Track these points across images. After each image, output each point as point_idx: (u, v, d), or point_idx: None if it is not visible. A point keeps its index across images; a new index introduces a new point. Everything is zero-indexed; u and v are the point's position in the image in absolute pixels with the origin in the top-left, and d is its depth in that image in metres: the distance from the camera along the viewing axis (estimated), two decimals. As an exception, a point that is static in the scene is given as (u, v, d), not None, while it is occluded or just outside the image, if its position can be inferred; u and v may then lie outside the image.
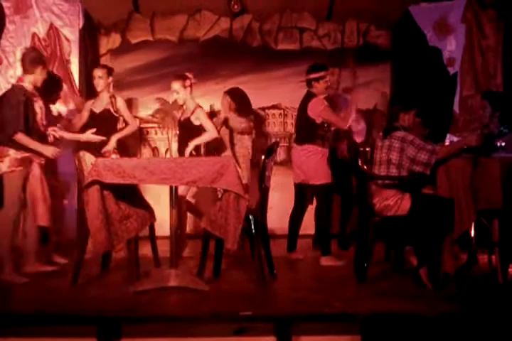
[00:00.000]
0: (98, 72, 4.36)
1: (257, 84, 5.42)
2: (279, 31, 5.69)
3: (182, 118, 4.34)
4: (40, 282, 3.36)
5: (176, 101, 4.37)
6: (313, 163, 3.98)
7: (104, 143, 4.27)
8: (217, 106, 5.27)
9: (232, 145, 4.70)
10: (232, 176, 2.90)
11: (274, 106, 5.66)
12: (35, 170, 3.48)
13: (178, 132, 4.46)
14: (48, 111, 3.80)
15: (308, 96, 4.07)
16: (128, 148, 5.16)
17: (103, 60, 5.62)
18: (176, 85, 4.22)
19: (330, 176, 4.01)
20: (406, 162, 3.24)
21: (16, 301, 2.91)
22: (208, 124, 4.23)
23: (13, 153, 3.38)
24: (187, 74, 4.34)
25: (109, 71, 4.39)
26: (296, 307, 2.72)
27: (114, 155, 4.25)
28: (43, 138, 3.55)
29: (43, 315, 2.62)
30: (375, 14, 5.51)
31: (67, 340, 2.59)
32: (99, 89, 4.38)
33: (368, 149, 3.74)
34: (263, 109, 5.63)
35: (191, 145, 4.15)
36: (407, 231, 3.20)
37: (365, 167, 3.34)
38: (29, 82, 3.54)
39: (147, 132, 5.60)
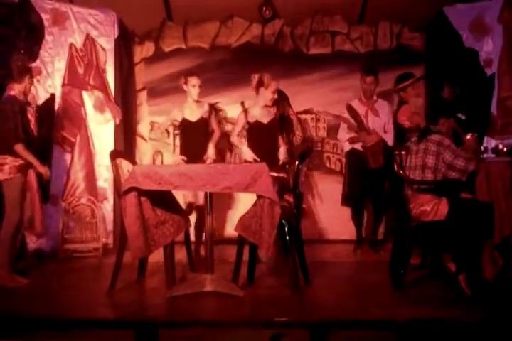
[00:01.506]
0: (193, 81, 4.46)
1: (289, 89, 5.38)
2: (311, 35, 5.67)
3: (266, 121, 4.41)
4: (79, 287, 3.45)
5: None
6: None
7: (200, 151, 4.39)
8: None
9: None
10: (266, 182, 2.90)
11: (306, 111, 5.64)
12: (31, 177, 3.61)
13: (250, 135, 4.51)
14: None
15: (399, 104, 4.59)
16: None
17: (137, 69, 5.74)
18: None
19: None
20: (442, 166, 3.17)
21: (55, 305, 2.98)
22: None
23: (10, 161, 3.48)
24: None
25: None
26: (331, 314, 2.70)
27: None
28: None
29: (83, 319, 2.68)
30: (408, 16, 5.44)
31: (107, 343, 2.63)
32: (195, 98, 4.50)
33: (403, 153, 3.70)
34: (300, 113, 5.61)
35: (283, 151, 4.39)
36: (445, 237, 3.13)
37: (401, 171, 3.28)
38: (19, 91, 3.61)
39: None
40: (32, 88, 3.81)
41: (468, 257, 3.00)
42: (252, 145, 4.40)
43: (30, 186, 3.60)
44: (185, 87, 4.55)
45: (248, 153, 4.37)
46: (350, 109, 4.62)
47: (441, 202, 3.11)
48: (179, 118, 4.59)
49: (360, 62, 5.29)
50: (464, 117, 4.24)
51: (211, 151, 4.49)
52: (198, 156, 4.43)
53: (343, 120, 4.66)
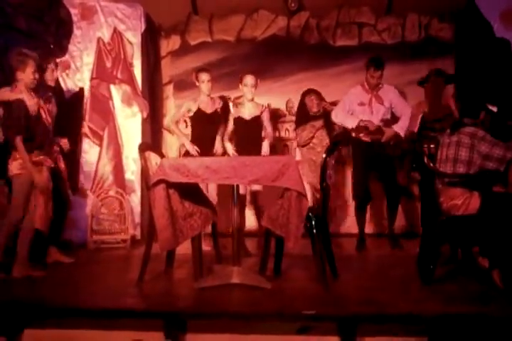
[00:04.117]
0: (203, 76, 4.40)
1: (315, 82, 5.37)
2: (337, 27, 5.62)
3: (248, 117, 4.39)
4: (108, 277, 3.51)
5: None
6: None
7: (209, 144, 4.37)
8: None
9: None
10: (294, 175, 2.89)
11: (332, 103, 5.58)
12: (44, 174, 3.51)
13: (235, 130, 4.48)
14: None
15: None
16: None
17: (164, 63, 5.77)
18: (253, 80, 4.32)
19: None
20: (477, 159, 3.10)
21: (85, 295, 3.02)
22: (270, 126, 4.44)
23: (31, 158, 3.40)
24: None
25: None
26: (359, 308, 2.68)
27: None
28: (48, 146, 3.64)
29: (112, 309, 2.72)
30: (437, 6, 5.33)
31: (136, 333, 2.67)
32: (207, 93, 4.45)
33: (432, 146, 3.64)
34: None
35: (266, 145, 4.32)
36: (477, 231, 3.07)
37: (431, 164, 3.23)
38: (21, 88, 3.44)
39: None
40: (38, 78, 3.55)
41: (501, 252, 2.95)
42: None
43: (40, 184, 3.46)
44: (197, 83, 4.52)
45: (229, 148, 4.43)
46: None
47: (472, 196, 3.05)
48: (194, 109, 4.51)
49: (388, 53, 5.22)
50: (495, 109, 4.13)
51: (218, 145, 4.43)
52: (207, 148, 4.39)
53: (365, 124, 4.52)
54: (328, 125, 4.72)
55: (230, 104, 4.73)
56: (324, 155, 3.19)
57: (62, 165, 4.02)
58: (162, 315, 2.63)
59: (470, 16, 4.99)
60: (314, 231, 3.10)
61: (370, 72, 4.47)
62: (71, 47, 4.97)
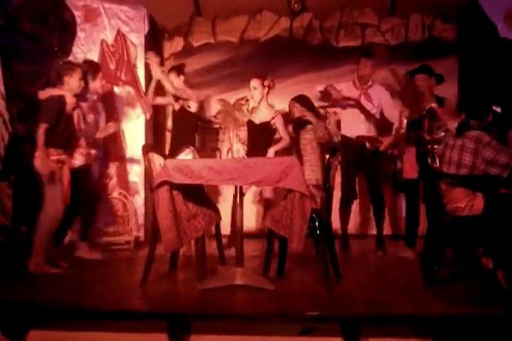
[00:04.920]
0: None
1: (318, 83, 5.34)
2: (341, 28, 5.63)
3: (258, 121, 4.39)
4: (112, 279, 3.52)
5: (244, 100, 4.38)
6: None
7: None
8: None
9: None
10: (297, 176, 2.89)
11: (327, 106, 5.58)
12: (65, 173, 3.63)
13: (247, 133, 4.51)
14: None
15: None
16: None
17: (167, 64, 5.78)
18: (255, 82, 4.32)
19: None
20: (481, 164, 3.08)
21: (89, 296, 3.02)
22: (284, 132, 4.39)
23: (52, 154, 3.56)
24: (268, 77, 4.44)
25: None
26: (363, 309, 2.68)
27: None
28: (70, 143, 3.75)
29: (116, 311, 2.73)
30: (440, 7, 5.33)
31: (140, 335, 2.67)
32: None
33: (435, 147, 3.64)
34: (324, 107, 5.57)
35: (271, 152, 4.27)
36: (481, 232, 3.06)
37: (435, 165, 3.23)
38: (66, 91, 3.68)
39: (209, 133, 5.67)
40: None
41: (505, 253, 2.93)
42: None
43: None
44: None
45: (240, 150, 4.44)
46: None
47: (476, 198, 3.04)
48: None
49: (391, 54, 5.23)
50: (499, 110, 4.11)
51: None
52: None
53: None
54: (297, 134, 4.61)
55: (244, 108, 4.69)
56: (327, 156, 3.20)
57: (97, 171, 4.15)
58: (166, 316, 2.64)
59: (473, 17, 4.99)
60: (318, 232, 3.10)
61: (363, 62, 4.46)
62: (75, 49, 4.97)
